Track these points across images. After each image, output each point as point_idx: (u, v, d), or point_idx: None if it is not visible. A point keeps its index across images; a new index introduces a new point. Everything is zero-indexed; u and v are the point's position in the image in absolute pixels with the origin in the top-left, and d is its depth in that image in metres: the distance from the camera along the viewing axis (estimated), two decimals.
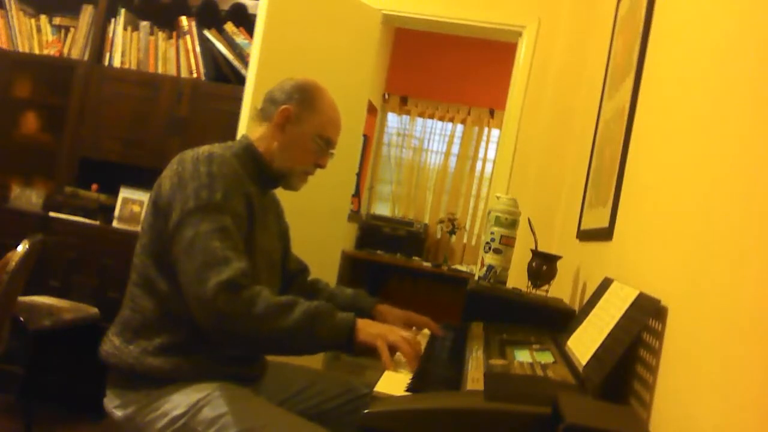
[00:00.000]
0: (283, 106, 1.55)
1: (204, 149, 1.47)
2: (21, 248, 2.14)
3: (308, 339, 1.33)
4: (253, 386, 1.48)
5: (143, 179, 2.99)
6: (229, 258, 1.32)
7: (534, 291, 1.77)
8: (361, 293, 1.77)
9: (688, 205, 0.98)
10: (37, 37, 3.41)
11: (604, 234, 1.55)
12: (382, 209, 5.55)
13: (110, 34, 3.30)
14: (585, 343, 1.14)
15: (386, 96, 5.54)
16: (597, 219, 1.72)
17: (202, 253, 1.32)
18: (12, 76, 3.35)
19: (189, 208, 1.37)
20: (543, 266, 1.74)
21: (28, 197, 3.23)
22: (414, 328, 1.65)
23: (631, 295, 1.07)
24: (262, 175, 1.57)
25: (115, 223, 3.17)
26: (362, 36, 3.19)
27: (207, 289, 1.28)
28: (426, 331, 1.67)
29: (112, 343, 1.46)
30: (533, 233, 1.81)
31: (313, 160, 1.60)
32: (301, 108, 1.56)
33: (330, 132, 1.60)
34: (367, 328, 1.36)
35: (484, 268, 1.85)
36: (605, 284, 1.28)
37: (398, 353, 1.34)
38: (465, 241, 5.41)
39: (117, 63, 3.29)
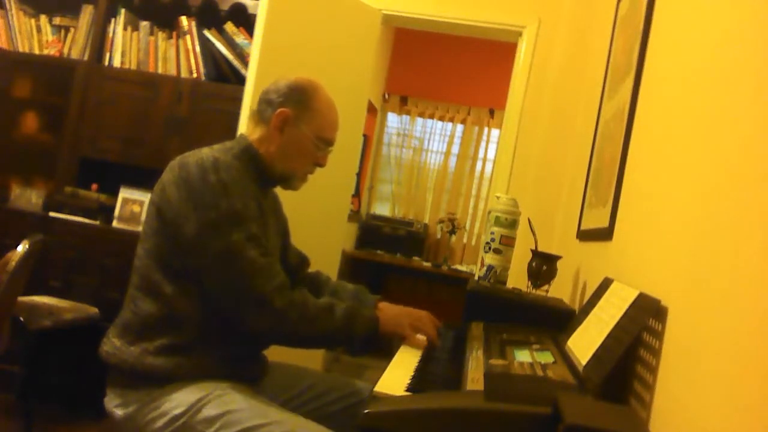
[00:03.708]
0: (280, 109, 1.54)
1: (206, 154, 1.46)
2: (21, 248, 2.14)
3: (347, 336, 1.45)
4: (253, 386, 1.48)
5: (143, 179, 2.99)
6: (269, 264, 1.40)
7: (534, 291, 1.77)
8: (361, 290, 1.77)
9: (688, 205, 0.98)
10: (37, 37, 3.41)
11: (604, 234, 1.55)
12: (382, 209, 5.55)
13: (110, 34, 3.30)
14: (585, 343, 1.14)
15: (386, 96, 5.53)
16: (597, 219, 1.72)
17: (242, 262, 1.37)
18: (12, 76, 3.35)
19: (211, 220, 1.38)
20: (543, 266, 1.74)
21: (28, 197, 3.23)
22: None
23: (631, 295, 1.07)
24: (262, 177, 1.57)
25: (115, 223, 3.17)
26: (362, 36, 3.19)
27: (264, 293, 1.37)
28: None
29: (112, 344, 1.45)
30: (533, 233, 1.81)
31: (313, 160, 1.60)
32: (299, 110, 1.55)
33: (328, 132, 1.60)
34: (390, 320, 1.52)
35: (484, 268, 1.85)
36: (605, 284, 1.28)
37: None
38: (465, 241, 5.40)
39: (117, 63, 3.29)
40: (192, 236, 1.38)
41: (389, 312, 1.55)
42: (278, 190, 1.70)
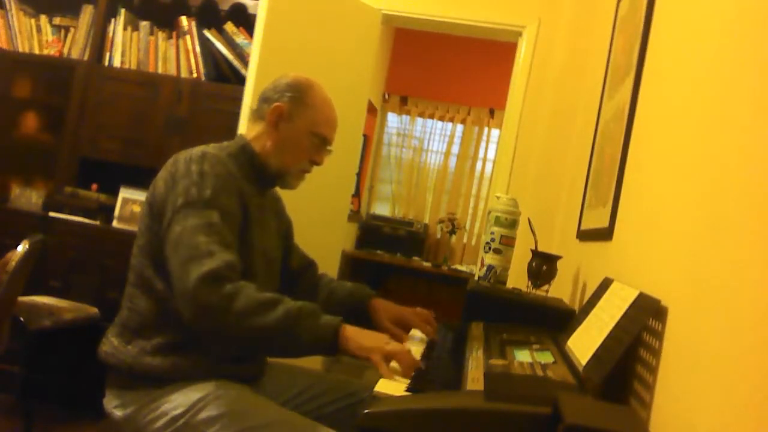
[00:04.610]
0: (276, 104, 1.55)
1: (198, 149, 1.47)
2: (21, 248, 2.14)
3: (288, 340, 1.29)
4: (252, 386, 1.48)
5: (143, 179, 2.98)
6: (213, 251, 1.30)
7: (534, 291, 1.77)
8: (359, 287, 1.76)
9: (688, 205, 0.98)
10: (37, 37, 3.41)
11: (604, 234, 1.54)
12: (382, 209, 5.55)
13: (110, 34, 3.30)
14: (585, 343, 1.14)
15: (386, 96, 5.54)
16: (597, 219, 1.72)
17: (187, 248, 1.31)
18: (12, 76, 3.35)
19: (178, 206, 1.37)
20: (543, 266, 1.74)
21: (28, 197, 3.23)
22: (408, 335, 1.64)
23: (631, 295, 1.07)
24: (258, 175, 1.56)
25: (115, 223, 3.17)
26: (362, 36, 3.19)
27: (189, 281, 1.27)
28: (415, 332, 1.66)
29: (111, 344, 1.46)
30: (533, 233, 1.81)
31: (309, 157, 1.59)
32: (294, 105, 1.55)
33: (324, 129, 1.59)
34: (358, 339, 1.31)
35: (484, 268, 1.85)
36: (605, 284, 1.28)
37: (393, 361, 1.31)
38: (465, 241, 5.41)
39: (117, 63, 3.29)
40: (165, 225, 1.38)
41: (361, 332, 1.34)
42: (280, 192, 1.70)
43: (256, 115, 1.59)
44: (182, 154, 1.47)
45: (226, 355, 1.44)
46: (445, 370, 1.37)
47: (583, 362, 1.07)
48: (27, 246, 2.15)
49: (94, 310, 2.82)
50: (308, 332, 1.29)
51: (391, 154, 5.58)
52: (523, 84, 3.15)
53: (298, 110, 1.55)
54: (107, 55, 3.30)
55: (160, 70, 3.26)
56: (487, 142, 5.44)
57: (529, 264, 1.76)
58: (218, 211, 1.38)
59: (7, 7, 3.39)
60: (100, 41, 3.29)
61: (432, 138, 5.54)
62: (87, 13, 3.35)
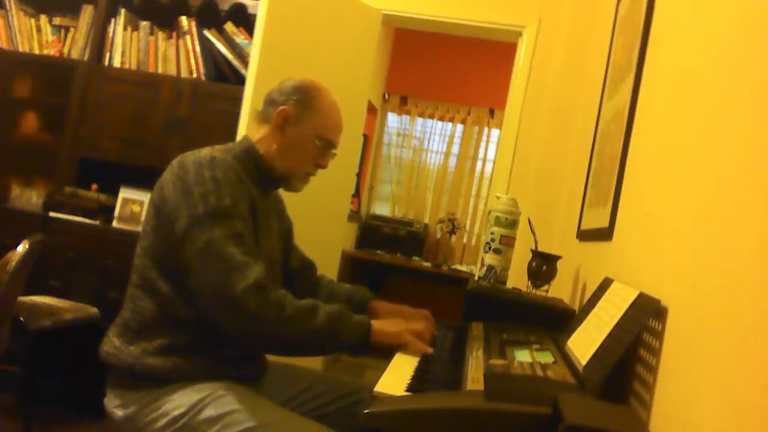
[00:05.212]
0: (282, 107, 1.54)
1: (205, 152, 1.46)
2: (21, 248, 2.14)
3: (331, 341, 1.39)
4: (253, 386, 1.48)
5: (143, 179, 2.99)
6: (248, 262, 1.34)
7: (534, 291, 1.77)
8: (358, 289, 1.77)
9: (688, 205, 0.98)
10: (37, 37, 3.41)
11: (604, 234, 1.55)
12: (382, 209, 5.55)
13: (110, 34, 3.30)
14: (585, 343, 1.14)
15: (386, 96, 5.53)
16: (597, 219, 1.72)
17: (221, 258, 1.33)
18: (12, 76, 3.35)
19: (198, 214, 1.37)
20: (543, 266, 1.74)
21: (28, 197, 3.23)
22: None
23: (631, 295, 1.07)
24: (263, 177, 1.56)
25: (115, 223, 3.17)
26: (362, 36, 3.19)
27: (236, 292, 1.30)
28: None
29: (112, 344, 1.46)
30: (533, 233, 1.81)
31: (314, 160, 1.59)
32: (300, 109, 1.55)
33: (330, 132, 1.59)
34: (386, 328, 1.44)
35: (484, 268, 1.85)
36: (605, 284, 1.28)
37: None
38: (465, 241, 5.40)
39: (117, 63, 3.29)
40: (181, 231, 1.38)
41: (384, 322, 1.48)
42: (281, 192, 1.70)
43: (262, 117, 1.59)
44: (189, 156, 1.46)
45: (228, 357, 1.44)
46: (445, 370, 1.37)
47: (583, 362, 1.07)
48: (27, 246, 2.15)
49: (94, 310, 2.82)
50: (348, 332, 1.39)
51: (391, 154, 5.58)
52: (523, 84, 3.15)
53: (304, 114, 1.55)
54: (107, 55, 3.30)
55: (160, 70, 3.26)
56: (487, 142, 5.43)
57: (529, 264, 1.76)
58: (240, 219, 1.40)
59: (7, 7, 3.39)
60: (100, 41, 3.29)
61: (432, 138, 5.54)
62: (87, 13, 3.35)
